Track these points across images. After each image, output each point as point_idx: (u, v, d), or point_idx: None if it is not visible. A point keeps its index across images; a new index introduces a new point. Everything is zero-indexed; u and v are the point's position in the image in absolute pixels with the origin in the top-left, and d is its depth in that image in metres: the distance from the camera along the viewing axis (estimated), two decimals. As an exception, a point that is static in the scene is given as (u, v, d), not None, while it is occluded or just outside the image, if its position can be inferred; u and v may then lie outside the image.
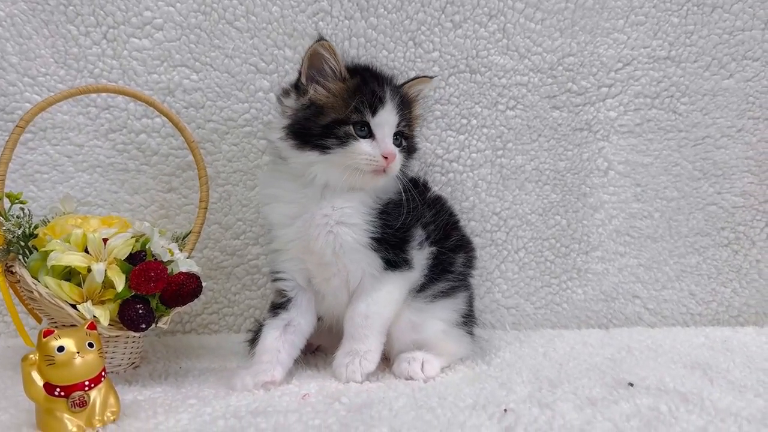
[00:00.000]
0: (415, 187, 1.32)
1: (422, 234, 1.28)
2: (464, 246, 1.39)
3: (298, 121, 1.22)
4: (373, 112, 1.20)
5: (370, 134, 1.20)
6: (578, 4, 1.62)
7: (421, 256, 1.28)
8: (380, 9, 1.60)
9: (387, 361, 1.33)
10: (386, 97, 1.22)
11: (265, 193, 1.32)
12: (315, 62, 1.22)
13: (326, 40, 1.20)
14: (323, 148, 1.19)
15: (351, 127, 1.19)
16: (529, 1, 1.61)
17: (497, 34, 1.62)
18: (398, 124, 1.24)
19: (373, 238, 1.22)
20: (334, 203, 1.22)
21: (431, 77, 1.37)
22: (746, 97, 1.66)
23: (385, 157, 1.19)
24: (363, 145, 1.19)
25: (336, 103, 1.21)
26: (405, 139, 1.28)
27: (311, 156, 1.20)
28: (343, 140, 1.19)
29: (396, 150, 1.21)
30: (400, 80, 1.36)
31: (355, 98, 1.20)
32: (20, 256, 1.22)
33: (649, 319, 1.70)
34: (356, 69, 1.27)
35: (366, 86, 1.22)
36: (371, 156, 1.19)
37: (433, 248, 1.30)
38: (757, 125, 1.67)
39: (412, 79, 1.35)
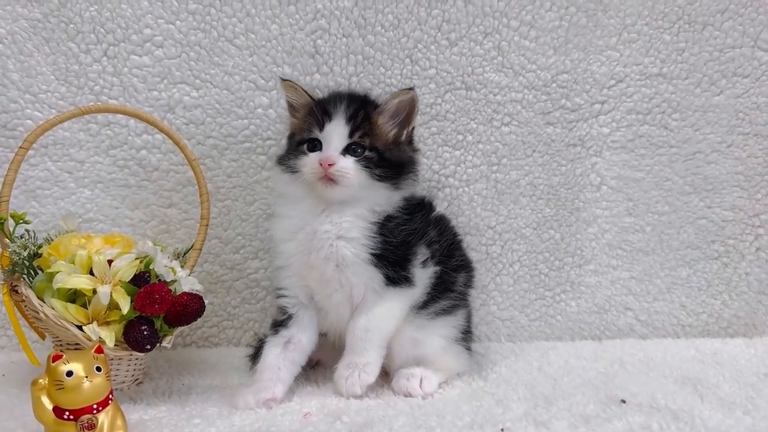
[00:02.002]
0: (421, 206, 1.36)
1: (427, 252, 1.31)
2: (465, 266, 1.43)
3: (285, 150, 1.37)
4: (321, 127, 1.26)
5: (321, 148, 1.27)
6: (572, 22, 1.64)
7: (424, 274, 1.30)
8: (377, 27, 1.62)
9: (386, 375, 1.36)
10: (334, 111, 1.27)
11: (272, 212, 1.43)
12: (288, 99, 1.38)
13: (286, 80, 1.36)
14: (292, 169, 1.29)
15: (305, 145, 1.28)
16: (523, 20, 1.63)
17: (492, 51, 1.64)
18: (350, 135, 1.25)
19: (373, 254, 1.25)
20: (333, 218, 1.26)
21: (410, 89, 1.31)
22: (736, 113, 1.69)
23: (321, 164, 1.22)
24: (310, 157, 1.26)
25: (299, 127, 1.33)
26: (373, 151, 1.27)
27: (287, 177, 1.30)
28: (299, 157, 1.28)
29: (335, 156, 1.23)
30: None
31: (309, 118, 1.29)
32: (25, 276, 1.24)
33: (640, 330, 1.73)
34: (328, 96, 1.37)
35: (319, 105, 1.30)
36: (313, 165, 1.24)
37: (437, 268, 1.33)
38: (747, 141, 1.70)
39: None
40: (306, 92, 1.34)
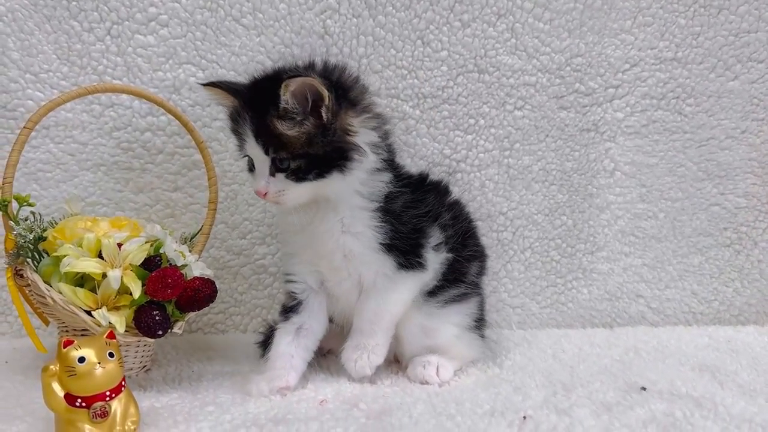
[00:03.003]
0: (435, 189, 1.32)
1: (440, 236, 1.26)
2: (479, 255, 1.40)
3: None
4: (242, 148, 1.19)
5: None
6: (587, 5, 1.61)
7: (436, 258, 1.27)
8: (388, 7, 1.58)
9: (398, 363, 1.34)
10: (243, 131, 1.15)
11: None
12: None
13: (208, 85, 1.23)
14: None
15: (246, 161, 1.21)
16: (537, 1, 1.60)
17: (506, 33, 1.61)
18: (266, 153, 1.13)
19: (383, 244, 1.21)
20: (329, 216, 1.20)
21: (297, 77, 1.07)
22: (751, 99, 1.67)
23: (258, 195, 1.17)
24: (251, 179, 1.20)
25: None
26: (298, 158, 1.12)
27: None
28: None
29: (263, 187, 1.14)
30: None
31: (233, 132, 1.21)
32: (29, 260, 1.21)
33: (652, 318, 1.72)
34: (247, 88, 1.21)
35: (233, 117, 1.19)
36: (253, 189, 1.19)
37: (450, 255, 1.29)
38: (761, 127, 1.68)
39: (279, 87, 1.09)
40: (230, 93, 1.19)
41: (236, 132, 1.19)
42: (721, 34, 1.65)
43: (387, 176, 1.22)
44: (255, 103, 1.14)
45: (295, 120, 1.10)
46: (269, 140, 1.12)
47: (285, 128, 1.10)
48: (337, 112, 1.12)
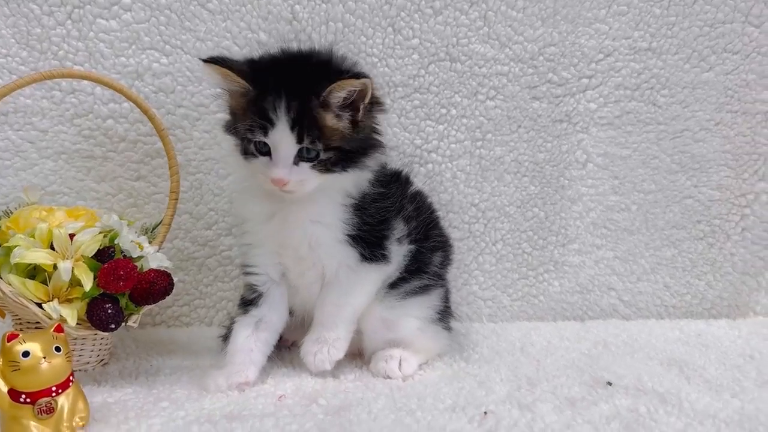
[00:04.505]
0: (397, 178, 1.29)
1: (404, 229, 1.25)
2: (443, 245, 1.37)
3: (231, 123, 1.19)
4: (265, 133, 1.10)
5: (269, 151, 1.12)
6: (561, -7, 1.59)
7: (399, 251, 1.25)
8: (359, -8, 1.55)
9: (361, 357, 1.31)
10: (275, 116, 1.08)
11: (238, 189, 1.30)
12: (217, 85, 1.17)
13: (210, 61, 1.11)
14: (245, 157, 1.16)
15: (252, 145, 1.13)
16: (511, -11, 1.58)
17: (478, 21, 1.58)
18: (298, 141, 1.09)
19: (349, 235, 1.19)
20: (305, 204, 1.17)
21: (359, 77, 1.10)
22: (725, 91, 1.66)
23: (274, 182, 1.11)
24: (260, 161, 1.13)
25: (241, 118, 1.14)
26: (329, 151, 1.12)
27: (242, 160, 1.17)
28: (248, 154, 1.14)
29: (286, 175, 1.10)
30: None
31: (249, 114, 1.11)
32: (-19, 251, 1.17)
33: (623, 311, 1.70)
34: (263, 70, 1.14)
35: (257, 104, 1.10)
36: (265, 177, 1.12)
37: (412, 246, 1.27)
38: (735, 119, 1.66)
39: (335, 81, 1.08)
40: (242, 76, 1.11)
41: (255, 115, 1.10)
42: (696, 25, 1.63)
43: (371, 174, 1.20)
44: (293, 90, 1.09)
45: (335, 113, 1.11)
46: (308, 129, 1.09)
47: (329, 120, 1.11)
48: (369, 110, 1.16)
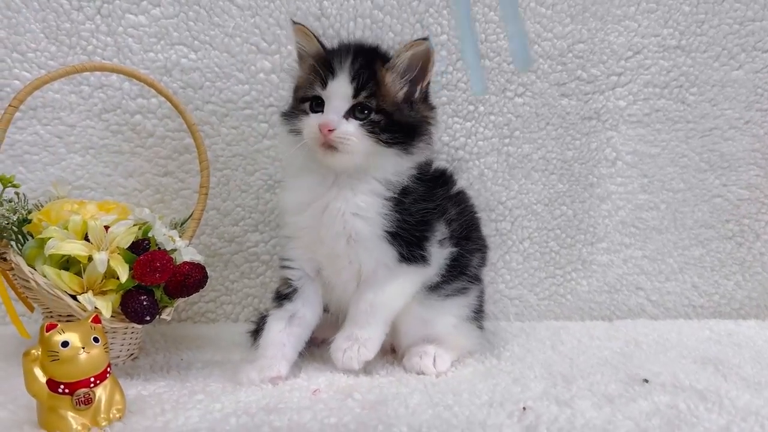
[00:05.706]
0: (442, 179, 1.28)
1: (445, 231, 1.23)
2: (481, 247, 1.36)
3: (289, 106, 1.24)
4: (324, 84, 1.14)
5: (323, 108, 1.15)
6: (590, -11, 1.58)
7: (440, 254, 1.22)
8: (387, -11, 1.55)
9: (393, 353, 1.30)
10: (338, 66, 1.13)
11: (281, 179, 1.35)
12: (297, 47, 1.24)
13: (298, 23, 1.21)
14: (294, 130, 1.18)
15: (307, 104, 1.17)
16: (540, -15, 1.57)
17: (507, 18, 1.57)
18: (354, 95, 1.12)
19: (388, 232, 1.17)
20: (346, 194, 1.17)
21: (423, 39, 1.15)
22: (755, 89, 1.65)
23: (320, 129, 1.11)
24: (310, 118, 1.15)
25: (303, 80, 1.21)
26: (380, 113, 1.14)
27: (291, 138, 1.19)
28: (300, 116, 1.17)
29: (335, 121, 1.11)
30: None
31: (314, 69, 1.16)
32: (13, 243, 1.16)
33: (651, 311, 1.69)
34: (335, 48, 1.22)
35: (323, 59, 1.17)
36: (312, 128, 1.13)
37: (454, 249, 1.25)
38: (765, 117, 1.65)
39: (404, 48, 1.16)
40: (318, 40, 1.20)
41: (320, 68, 1.15)
42: (726, 22, 1.62)
43: (413, 172, 1.20)
44: (361, 49, 1.18)
45: (397, 73, 1.16)
46: (366, 83, 1.13)
47: (388, 78, 1.15)
48: (425, 98, 1.21)
